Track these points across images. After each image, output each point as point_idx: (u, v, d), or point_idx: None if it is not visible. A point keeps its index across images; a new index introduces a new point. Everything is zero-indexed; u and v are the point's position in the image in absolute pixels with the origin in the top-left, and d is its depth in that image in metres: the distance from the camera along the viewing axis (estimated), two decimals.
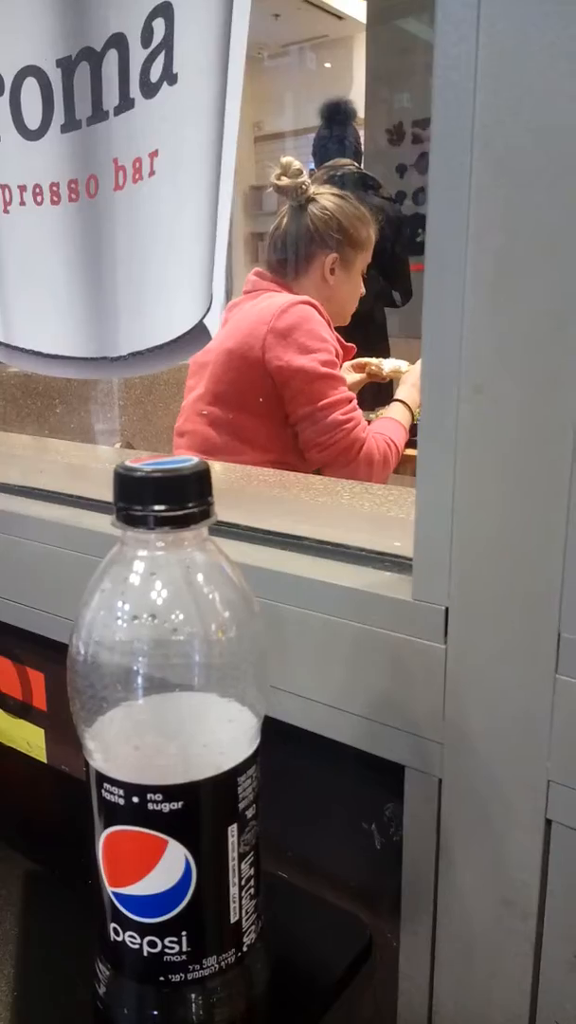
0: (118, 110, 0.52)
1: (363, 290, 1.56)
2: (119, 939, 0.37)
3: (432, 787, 0.44)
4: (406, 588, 0.44)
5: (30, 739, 0.74)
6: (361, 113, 3.09)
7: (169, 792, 0.34)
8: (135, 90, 0.51)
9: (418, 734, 0.44)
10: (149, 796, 0.34)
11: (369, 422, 1.43)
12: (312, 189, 1.45)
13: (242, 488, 0.78)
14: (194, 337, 0.52)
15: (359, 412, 1.37)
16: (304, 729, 0.49)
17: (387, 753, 0.46)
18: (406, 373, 1.61)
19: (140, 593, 0.34)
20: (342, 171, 2.29)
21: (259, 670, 0.37)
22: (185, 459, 0.34)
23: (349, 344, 1.47)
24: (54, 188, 0.57)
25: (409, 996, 0.50)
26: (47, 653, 0.68)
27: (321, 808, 0.54)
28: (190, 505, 0.33)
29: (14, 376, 2.33)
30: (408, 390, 1.55)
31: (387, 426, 1.46)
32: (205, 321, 0.51)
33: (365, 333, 1.93)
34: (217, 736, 0.35)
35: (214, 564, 0.36)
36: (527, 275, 0.37)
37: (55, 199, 0.57)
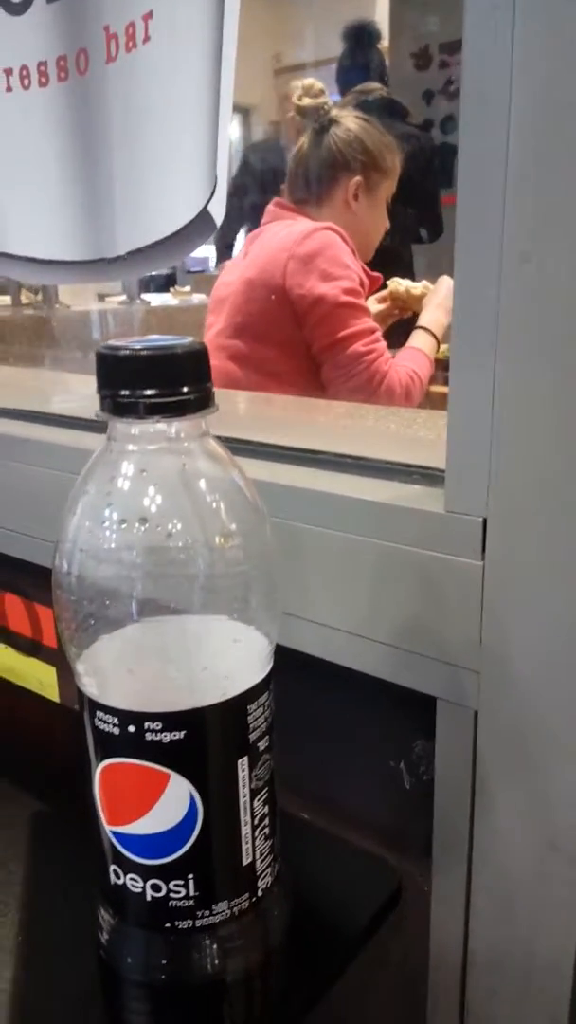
0: None
1: (387, 223, 1.48)
2: (120, 882, 0.33)
3: (467, 721, 0.40)
4: (437, 501, 0.39)
5: (42, 678, 0.70)
6: (385, 38, 2.94)
7: (169, 720, 0.30)
8: None
9: (451, 662, 0.40)
10: (147, 725, 0.30)
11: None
12: (334, 111, 1.37)
13: (259, 412, 0.73)
14: (197, 227, 0.46)
15: (382, 344, 1.30)
16: (324, 660, 0.45)
17: (416, 684, 0.41)
18: (429, 294, 1.47)
19: (129, 495, 0.30)
20: (373, 95, 2.16)
21: (268, 586, 0.32)
22: (179, 338, 0.29)
23: (375, 274, 1.40)
24: (41, 68, 0.51)
25: (441, 944, 0.46)
26: None
27: (345, 745, 0.50)
28: (185, 390, 0.28)
29: (28, 319, 2.28)
30: (433, 313, 1.44)
31: (409, 356, 1.38)
32: (209, 208, 0.45)
33: (391, 273, 1.84)
34: (221, 658, 0.31)
35: (215, 463, 0.31)
36: None
37: (43, 80, 0.51)
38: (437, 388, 1.57)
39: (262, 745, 0.33)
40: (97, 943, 0.36)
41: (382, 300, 1.52)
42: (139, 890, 0.33)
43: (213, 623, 0.31)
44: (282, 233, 1.31)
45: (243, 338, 1.31)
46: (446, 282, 1.49)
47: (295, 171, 1.40)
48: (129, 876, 0.33)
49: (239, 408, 0.74)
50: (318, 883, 0.45)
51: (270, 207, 1.42)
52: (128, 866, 0.33)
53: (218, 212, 0.46)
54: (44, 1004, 0.39)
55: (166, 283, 3.92)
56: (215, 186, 0.45)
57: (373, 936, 0.44)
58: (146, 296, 3.23)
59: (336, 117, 1.37)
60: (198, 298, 3.47)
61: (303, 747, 0.49)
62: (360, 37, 2.59)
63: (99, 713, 0.31)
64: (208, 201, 0.46)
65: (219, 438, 0.31)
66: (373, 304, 1.47)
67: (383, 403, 1.31)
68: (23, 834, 0.51)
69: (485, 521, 0.37)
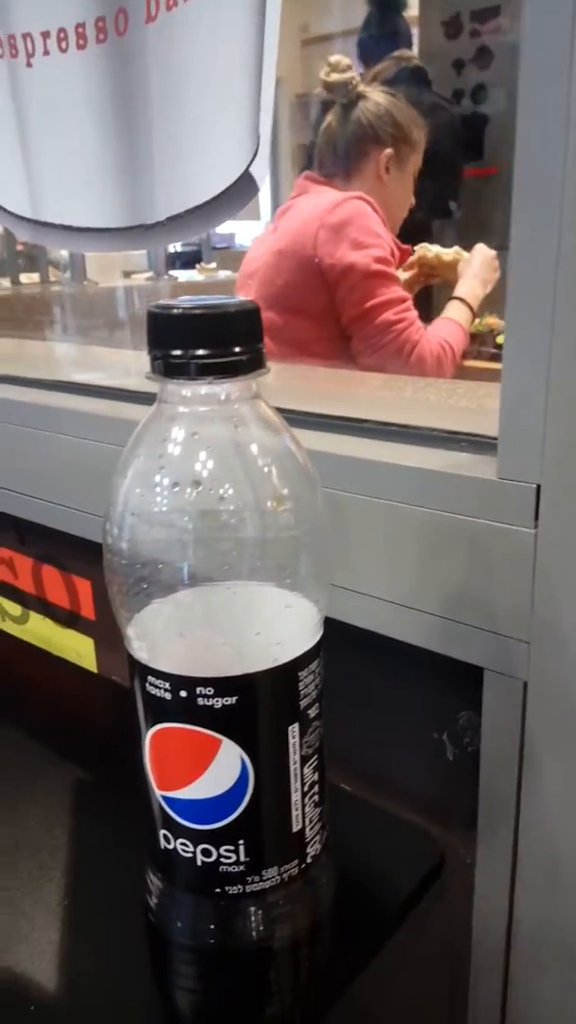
0: None
1: (412, 199, 1.45)
2: (170, 847, 0.33)
3: (516, 692, 0.39)
4: (487, 468, 0.39)
5: (80, 649, 0.71)
6: (413, 7, 2.87)
7: (221, 685, 0.30)
8: None
9: (500, 632, 0.39)
10: (199, 690, 0.30)
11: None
12: (362, 86, 1.34)
13: (294, 385, 0.72)
14: (239, 190, 0.45)
15: (413, 313, 1.28)
16: (368, 630, 0.44)
17: (465, 655, 0.41)
18: (463, 262, 1.43)
19: (181, 458, 0.29)
20: (412, 63, 2.11)
21: (320, 550, 0.32)
22: (230, 297, 0.29)
23: (405, 246, 1.37)
24: (80, 30, 0.50)
25: (485, 916, 0.46)
26: (93, 559, 0.64)
27: (387, 716, 0.49)
28: (238, 350, 0.28)
29: (56, 296, 2.28)
30: (469, 284, 1.41)
31: (443, 327, 1.35)
32: (251, 169, 0.45)
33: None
34: (273, 624, 0.31)
35: (267, 425, 0.30)
36: None
37: (81, 42, 0.50)
38: (472, 363, 1.54)
39: (312, 712, 0.33)
40: (145, 907, 0.36)
41: (409, 267, 1.49)
42: (189, 855, 0.33)
43: (264, 589, 0.30)
44: (311, 204, 1.30)
45: (274, 310, 1.30)
46: (479, 250, 1.45)
47: (324, 146, 1.38)
48: (179, 841, 0.33)
49: (272, 380, 0.74)
50: (360, 854, 0.45)
51: (299, 180, 1.40)
52: (178, 831, 0.33)
53: (261, 174, 0.45)
54: (91, 967, 0.39)
55: (192, 260, 3.90)
56: (257, 147, 0.44)
57: (415, 907, 0.44)
58: (173, 272, 3.22)
59: (364, 92, 1.34)
60: (224, 274, 3.45)
61: (344, 718, 0.49)
62: (386, 5, 2.53)
63: (150, 678, 0.31)
64: (250, 163, 0.45)
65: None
66: (400, 272, 1.44)
67: (415, 373, 1.29)
68: (66, 800, 0.51)
69: (539, 488, 0.36)
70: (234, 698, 0.30)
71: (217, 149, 0.46)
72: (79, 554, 0.66)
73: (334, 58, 1.37)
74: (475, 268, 1.44)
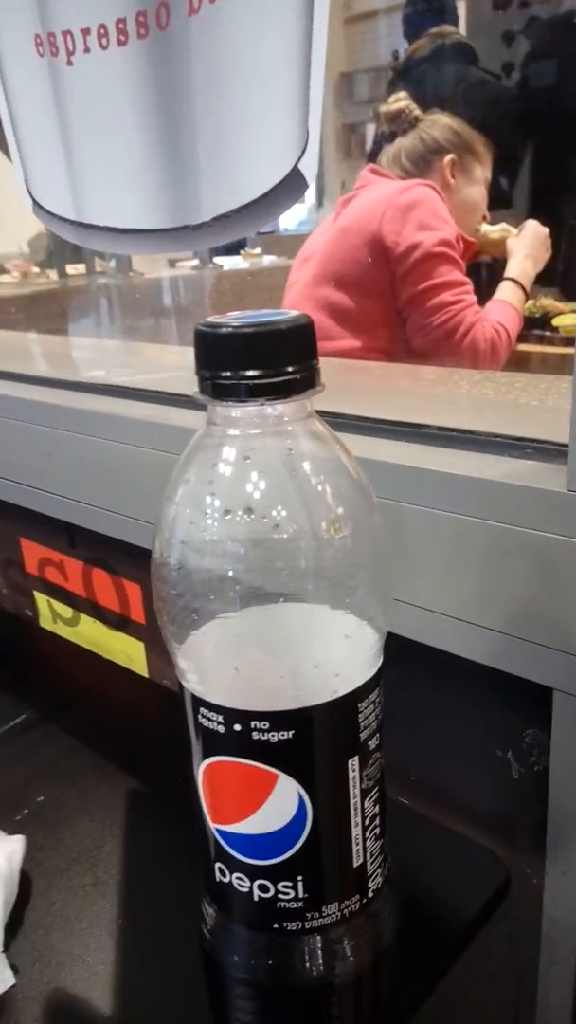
0: None
1: (486, 211, 1.41)
2: (225, 880, 0.32)
3: None
4: (556, 479, 0.36)
5: (130, 652, 0.70)
6: None
7: (277, 719, 0.28)
8: None
9: (571, 651, 0.37)
10: (254, 724, 0.28)
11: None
12: (417, 111, 1.34)
13: (342, 381, 0.70)
14: (288, 187, 0.43)
15: (472, 296, 1.26)
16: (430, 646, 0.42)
17: (532, 674, 0.39)
18: (513, 240, 1.39)
19: (232, 483, 0.28)
20: (451, 39, 2.06)
21: (379, 576, 0.30)
22: (281, 313, 0.27)
23: (471, 239, 1.34)
24: (120, 26, 0.48)
25: (554, 939, 0.44)
26: (142, 563, 0.64)
27: (450, 732, 0.48)
28: (290, 369, 0.26)
29: (102, 288, 2.28)
30: (521, 264, 1.37)
31: (496, 309, 1.32)
32: (300, 166, 0.43)
33: None
34: (331, 655, 0.29)
35: (322, 446, 0.29)
36: None
37: (122, 38, 0.48)
38: (524, 347, 1.49)
39: (372, 744, 0.31)
40: (200, 936, 0.35)
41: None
42: (246, 890, 0.31)
43: (322, 617, 0.29)
44: (378, 191, 1.29)
45: (332, 285, 1.29)
46: (531, 227, 1.40)
47: (396, 158, 1.37)
48: (235, 875, 0.32)
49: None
50: (423, 873, 0.43)
51: (364, 172, 1.38)
52: (234, 865, 0.31)
53: (310, 171, 0.43)
54: (147, 992, 0.38)
55: (236, 246, 3.88)
56: (307, 142, 0.42)
57: (481, 930, 0.42)
58: (217, 260, 3.20)
59: (421, 117, 1.35)
60: (268, 260, 3.42)
61: (405, 731, 0.47)
62: None
63: (202, 710, 0.30)
64: (299, 159, 0.43)
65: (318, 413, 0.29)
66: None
67: (467, 357, 1.26)
68: (119, 812, 0.51)
69: None
70: (291, 732, 0.29)
71: (265, 146, 0.44)
72: (128, 558, 0.66)
73: (394, 96, 1.38)
74: (527, 247, 1.39)
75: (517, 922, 0.46)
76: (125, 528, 0.60)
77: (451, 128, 1.33)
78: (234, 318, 0.27)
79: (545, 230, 1.41)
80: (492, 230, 1.42)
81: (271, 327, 0.26)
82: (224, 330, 0.26)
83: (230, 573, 0.28)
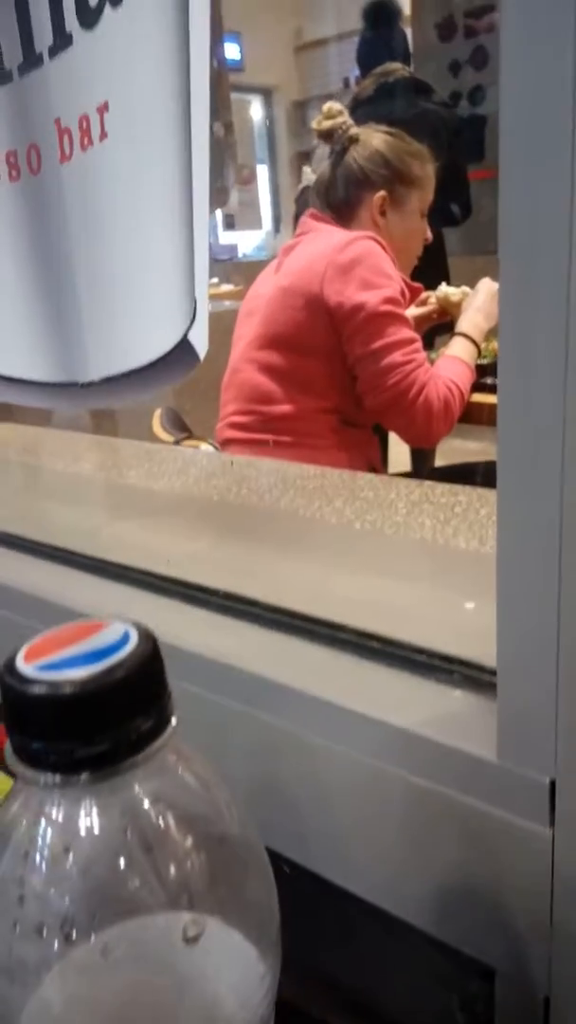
0: (53, 50, 0.37)
1: (428, 234, 1.38)
2: None
3: (536, 1006, 0.32)
4: (487, 727, 0.31)
5: None
6: (407, 12, 2.77)
7: None
8: (71, 20, 0.36)
9: (515, 937, 0.31)
10: None
11: (432, 364, 1.27)
12: (354, 129, 1.28)
13: (273, 504, 0.64)
14: (179, 357, 0.38)
15: (422, 355, 1.22)
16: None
17: (471, 949, 0.33)
18: (468, 297, 1.38)
19: (44, 892, 0.21)
20: (392, 77, 2.06)
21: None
22: (119, 642, 0.21)
23: (416, 284, 1.31)
24: None
25: None
26: None
27: (391, 973, 0.42)
28: (113, 733, 0.20)
29: None
30: (472, 318, 1.35)
31: (447, 366, 1.28)
32: (190, 336, 0.37)
33: (421, 255, 1.72)
34: None
35: (176, 804, 0.22)
36: None
37: None
38: (478, 397, 1.46)
39: None
40: None
41: (421, 303, 1.42)
42: None
43: None
44: (320, 242, 1.24)
45: (276, 348, 1.24)
46: (485, 285, 1.40)
47: (319, 192, 1.33)
48: None
49: (252, 487, 0.66)
50: None
51: (304, 218, 1.35)
52: None
53: (200, 342, 0.37)
54: None
55: None
56: (195, 312, 0.37)
57: None
58: None
59: (356, 135, 1.29)
60: (226, 287, 3.37)
61: (343, 964, 0.41)
62: (380, 14, 2.45)
63: None
64: (189, 328, 0.37)
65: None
66: (411, 309, 1.38)
67: (420, 416, 1.23)
68: None
69: (553, 783, 0.28)
70: None
71: (150, 311, 0.38)
72: None
73: (327, 106, 1.33)
74: (478, 302, 1.38)
75: None
76: None
77: (381, 155, 1.27)
78: (54, 659, 0.20)
79: (496, 286, 1.38)
80: (453, 292, 1.41)
81: (98, 682, 0.20)
82: (34, 690, 0.20)
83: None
